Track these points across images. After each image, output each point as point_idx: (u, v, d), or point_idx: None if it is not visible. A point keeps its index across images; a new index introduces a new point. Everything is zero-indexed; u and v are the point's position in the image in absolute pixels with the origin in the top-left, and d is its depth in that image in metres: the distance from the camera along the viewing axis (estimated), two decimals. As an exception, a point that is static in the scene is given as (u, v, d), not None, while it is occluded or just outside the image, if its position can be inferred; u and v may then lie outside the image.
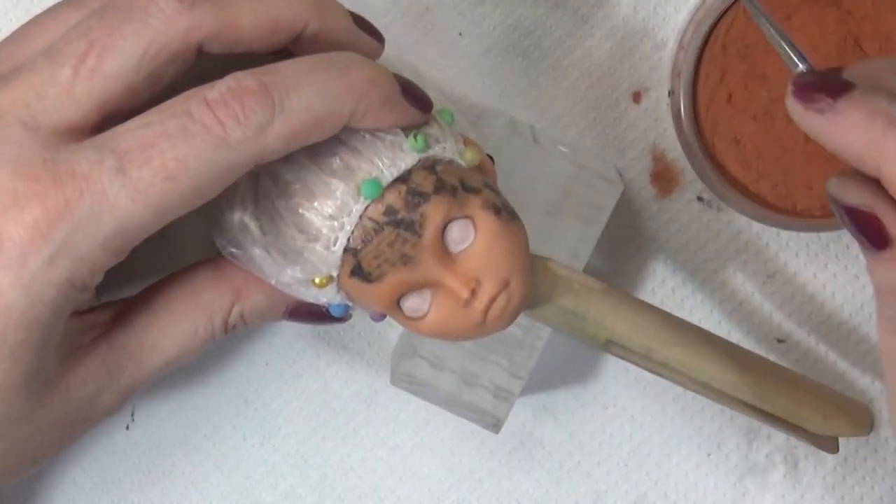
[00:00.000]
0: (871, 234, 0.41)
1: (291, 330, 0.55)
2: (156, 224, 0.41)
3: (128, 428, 0.55)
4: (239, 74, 0.41)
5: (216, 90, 0.41)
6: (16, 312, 0.41)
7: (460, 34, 0.53)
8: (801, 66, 0.43)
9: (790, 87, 0.42)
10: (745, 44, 0.50)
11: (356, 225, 0.43)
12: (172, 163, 0.40)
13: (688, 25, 0.51)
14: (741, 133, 0.50)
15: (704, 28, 0.50)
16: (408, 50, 0.53)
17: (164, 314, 0.47)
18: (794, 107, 0.42)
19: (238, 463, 0.55)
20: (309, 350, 0.55)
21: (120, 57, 0.42)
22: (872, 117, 0.39)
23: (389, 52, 0.52)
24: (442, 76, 0.53)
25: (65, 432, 0.46)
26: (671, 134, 0.53)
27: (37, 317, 0.41)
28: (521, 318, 0.47)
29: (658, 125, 0.54)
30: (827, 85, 0.41)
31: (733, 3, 0.50)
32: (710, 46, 0.50)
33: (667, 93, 0.53)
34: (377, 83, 0.43)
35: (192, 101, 0.41)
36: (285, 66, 0.42)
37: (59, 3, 0.45)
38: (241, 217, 0.45)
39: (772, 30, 0.43)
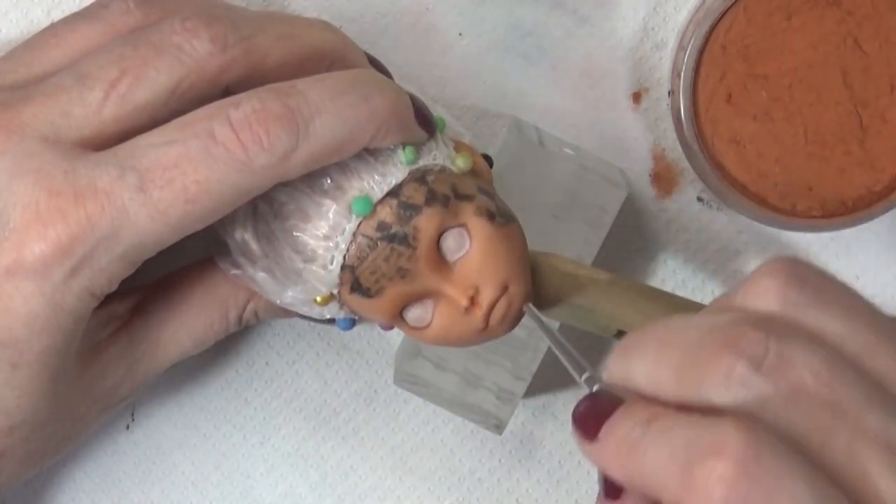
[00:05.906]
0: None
1: (291, 330, 0.54)
2: (173, 240, 0.42)
3: (128, 428, 0.55)
4: (263, 94, 0.41)
5: (241, 111, 0.41)
6: (40, 320, 0.41)
7: (460, 34, 0.53)
8: (585, 373, 0.39)
9: (572, 418, 0.38)
10: (745, 44, 0.50)
11: (351, 242, 0.43)
12: (194, 186, 0.40)
13: (688, 25, 0.51)
14: (741, 133, 0.50)
15: (704, 28, 0.50)
16: (408, 50, 0.53)
17: (183, 308, 0.47)
18: (575, 437, 0.38)
19: (238, 463, 0.55)
20: (309, 350, 0.55)
21: (151, 88, 0.42)
22: (620, 446, 0.36)
23: (389, 52, 0.52)
24: (442, 76, 0.53)
25: (85, 424, 0.47)
26: (671, 134, 0.53)
27: (60, 324, 0.41)
28: (526, 320, 0.47)
29: (658, 125, 0.54)
30: (596, 409, 0.37)
31: (733, 3, 0.49)
32: (710, 46, 0.50)
33: (667, 93, 0.53)
34: (397, 109, 0.43)
35: (216, 121, 0.41)
36: (309, 89, 0.42)
37: (75, 15, 0.45)
38: (242, 237, 0.45)
39: (556, 340, 0.41)
